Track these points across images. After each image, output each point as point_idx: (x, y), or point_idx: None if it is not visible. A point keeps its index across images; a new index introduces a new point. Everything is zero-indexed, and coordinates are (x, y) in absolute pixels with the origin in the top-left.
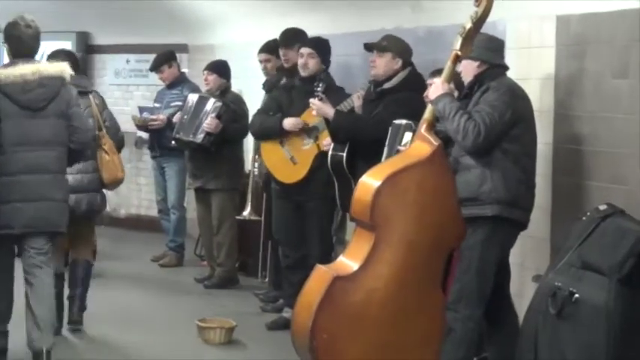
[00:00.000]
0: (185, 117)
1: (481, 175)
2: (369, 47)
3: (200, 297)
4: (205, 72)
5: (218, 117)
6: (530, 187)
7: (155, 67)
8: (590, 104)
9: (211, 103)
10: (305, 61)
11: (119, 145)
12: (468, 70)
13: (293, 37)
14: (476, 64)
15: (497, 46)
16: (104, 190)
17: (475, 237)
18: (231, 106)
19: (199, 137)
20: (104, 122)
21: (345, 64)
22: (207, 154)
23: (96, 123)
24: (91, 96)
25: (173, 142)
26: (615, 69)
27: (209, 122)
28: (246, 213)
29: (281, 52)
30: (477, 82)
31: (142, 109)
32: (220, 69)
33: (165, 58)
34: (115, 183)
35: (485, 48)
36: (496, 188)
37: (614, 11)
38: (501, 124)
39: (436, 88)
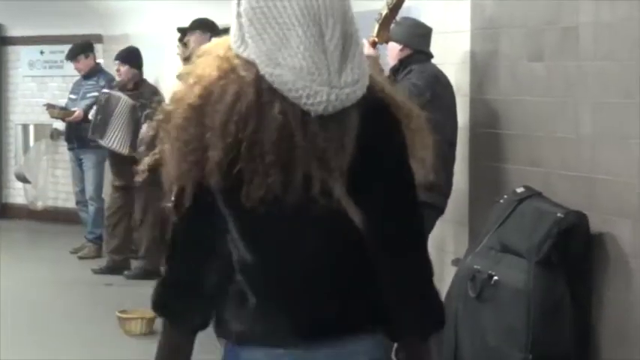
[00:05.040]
0: (99, 117)
1: None
2: None
3: (120, 288)
4: (117, 62)
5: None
6: (448, 174)
7: (72, 57)
8: (506, 87)
9: (141, 111)
10: None
11: None
12: (392, 53)
13: (195, 24)
14: (399, 47)
15: (423, 32)
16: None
17: None
18: (154, 107)
19: (140, 150)
20: None
21: None
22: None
23: None
24: None
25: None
26: (530, 52)
27: (147, 129)
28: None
29: (185, 39)
30: (402, 66)
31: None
32: (132, 59)
33: (82, 48)
34: None
35: (411, 33)
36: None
37: None
38: (419, 101)
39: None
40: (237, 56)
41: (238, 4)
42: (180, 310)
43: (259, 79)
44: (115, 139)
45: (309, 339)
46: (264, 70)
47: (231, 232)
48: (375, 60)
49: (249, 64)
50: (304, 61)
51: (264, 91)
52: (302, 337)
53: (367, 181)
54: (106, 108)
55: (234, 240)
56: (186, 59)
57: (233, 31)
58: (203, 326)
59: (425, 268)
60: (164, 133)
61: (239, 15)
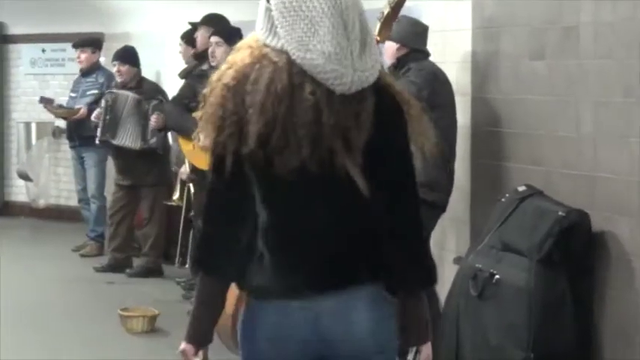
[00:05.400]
0: (108, 117)
1: None
2: None
3: (122, 286)
4: (116, 63)
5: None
6: (449, 172)
7: (80, 45)
8: (507, 86)
9: (147, 103)
10: (212, 49)
11: None
12: (389, 52)
13: (204, 19)
14: (396, 46)
15: (420, 30)
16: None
17: None
18: (160, 98)
19: (153, 142)
20: None
21: None
22: (136, 151)
23: None
24: None
25: (97, 142)
26: (531, 51)
27: (156, 119)
28: (175, 197)
29: (195, 34)
30: (400, 65)
31: (44, 100)
32: (132, 58)
33: (92, 41)
34: None
35: (408, 32)
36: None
37: None
38: (418, 98)
39: None
40: (266, 45)
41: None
42: (217, 264)
43: (291, 63)
44: (126, 137)
45: (321, 291)
46: (296, 54)
47: (256, 196)
48: None
49: (279, 51)
50: (332, 48)
51: (295, 75)
52: (314, 290)
53: (375, 155)
54: (114, 108)
55: (258, 204)
56: (195, 56)
57: (261, 24)
58: (235, 279)
59: (421, 231)
60: (202, 110)
61: (269, 9)
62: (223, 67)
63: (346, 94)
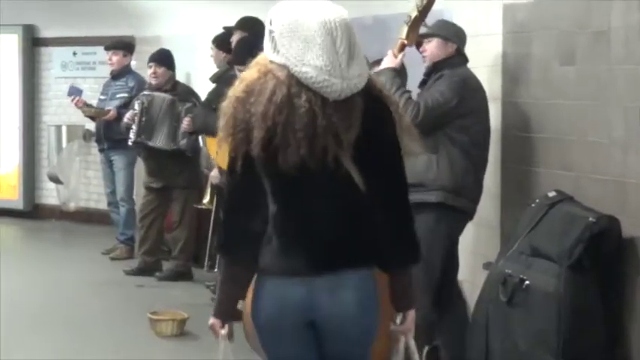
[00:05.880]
0: (144, 119)
1: (427, 161)
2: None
3: (152, 289)
4: (152, 64)
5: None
6: (477, 178)
7: (113, 47)
8: (538, 91)
9: (181, 105)
10: None
11: None
12: (440, 50)
13: (239, 23)
14: (448, 45)
15: (462, 34)
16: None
17: (420, 225)
18: (194, 101)
19: (182, 143)
20: None
21: None
22: (168, 153)
23: None
24: None
25: (131, 143)
26: (562, 55)
27: (188, 122)
28: (205, 201)
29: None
30: (435, 70)
31: (73, 89)
32: (168, 61)
33: (124, 44)
34: None
35: (455, 31)
36: (441, 176)
37: None
38: (445, 109)
39: (387, 59)
40: (272, 62)
41: (271, 24)
42: (232, 248)
43: (290, 76)
44: (162, 139)
45: (318, 271)
46: (294, 69)
47: (267, 190)
48: (395, 71)
49: (282, 66)
50: (323, 62)
51: (293, 86)
52: (313, 269)
53: (367, 151)
54: (149, 110)
55: (268, 196)
56: (229, 62)
57: (267, 43)
58: (249, 261)
59: (409, 214)
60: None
61: (272, 31)
62: (237, 82)
63: (338, 100)
